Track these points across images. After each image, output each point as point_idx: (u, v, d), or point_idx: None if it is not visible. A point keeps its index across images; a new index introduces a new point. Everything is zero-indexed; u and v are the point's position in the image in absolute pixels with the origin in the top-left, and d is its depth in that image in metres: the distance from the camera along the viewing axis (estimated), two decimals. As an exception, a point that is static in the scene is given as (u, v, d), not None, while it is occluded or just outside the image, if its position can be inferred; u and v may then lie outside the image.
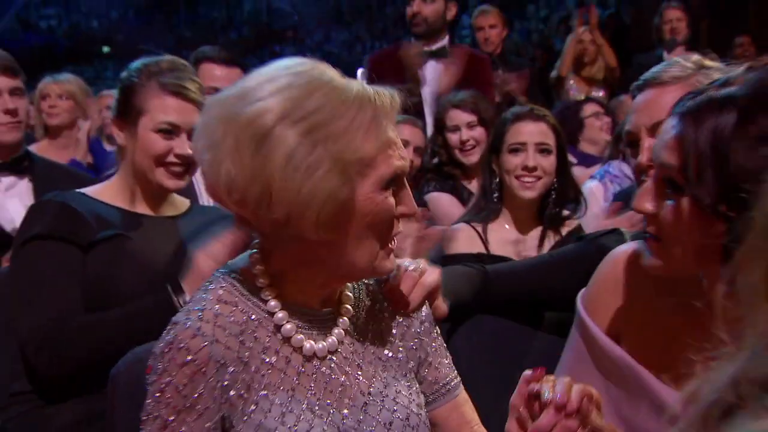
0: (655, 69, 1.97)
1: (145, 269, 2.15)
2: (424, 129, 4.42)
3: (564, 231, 2.94)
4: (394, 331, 1.62)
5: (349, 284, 1.58)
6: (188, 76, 2.31)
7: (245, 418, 1.42)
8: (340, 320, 1.53)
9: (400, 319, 1.63)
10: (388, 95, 1.39)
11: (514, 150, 2.86)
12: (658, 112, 1.82)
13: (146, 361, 1.48)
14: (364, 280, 1.61)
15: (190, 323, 1.40)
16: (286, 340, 1.47)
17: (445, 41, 5.05)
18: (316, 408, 1.46)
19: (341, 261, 1.43)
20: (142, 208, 2.26)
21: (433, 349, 1.67)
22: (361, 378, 1.54)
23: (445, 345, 1.71)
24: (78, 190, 2.27)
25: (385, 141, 1.37)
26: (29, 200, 2.71)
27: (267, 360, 1.45)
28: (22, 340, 2.08)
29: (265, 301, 1.46)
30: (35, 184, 2.80)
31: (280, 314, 1.46)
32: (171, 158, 2.19)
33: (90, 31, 19.47)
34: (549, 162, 2.90)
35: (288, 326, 1.46)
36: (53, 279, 2.08)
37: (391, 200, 1.39)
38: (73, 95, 4.25)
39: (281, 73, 1.37)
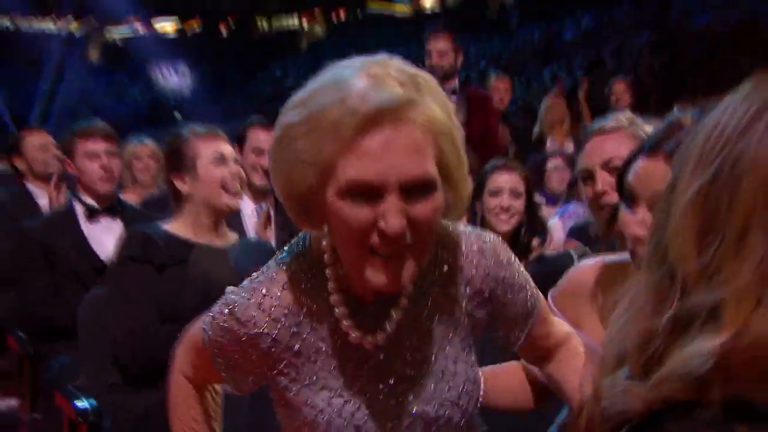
0: (598, 122, 2.09)
1: (203, 289, 2.16)
2: None
3: (531, 257, 3.02)
4: (454, 310, 1.32)
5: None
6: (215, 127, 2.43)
7: (293, 393, 1.28)
8: (394, 310, 1.26)
9: (463, 289, 1.31)
10: (375, 101, 1.06)
11: (493, 194, 2.95)
12: (605, 152, 1.95)
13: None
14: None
15: (252, 299, 1.26)
16: (339, 325, 1.25)
17: (455, 83, 4.94)
18: (368, 393, 1.28)
19: (344, 258, 1.20)
20: (202, 239, 2.31)
21: (504, 301, 1.34)
22: (411, 362, 1.30)
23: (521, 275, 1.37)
24: (156, 222, 2.34)
25: (350, 147, 1.08)
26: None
27: (319, 342, 1.28)
28: (117, 344, 2.15)
29: (323, 286, 1.25)
30: (125, 225, 2.87)
31: (335, 297, 1.24)
32: (229, 179, 2.27)
33: (165, 102, 19.71)
34: (520, 203, 2.98)
35: (341, 310, 1.24)
36: (138, 296, 2.13)
37: (357, 211, 1.09)
38: (158, 156, 4.36)
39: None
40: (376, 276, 1.12)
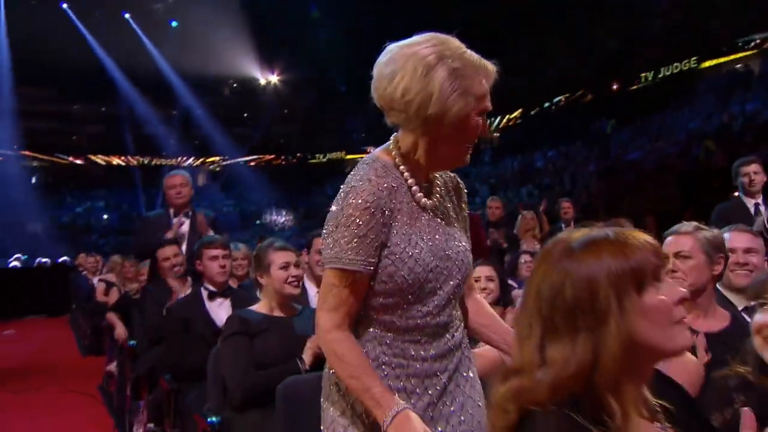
0: (673, 228, 2.05)
1: (280, 347, 2.37)
2: None
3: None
4: (454, 207, 1.48)
5: (438, 174, 1.47)
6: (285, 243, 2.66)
7: (389, 244, 1.35)
8: (435, 190, 1.44)
9: (452, 198, 1.48)
10: (491, 68, 1.33)
11: (476, 280, 3.05)
12: (677, 247, 1.96)
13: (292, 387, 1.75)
14: (444, 174, 1.50)
15: (364, 185, 1.34)
16: (413, 197, 1.40)
17: None
18: (427, 239, 1.38)
19: (445, 152, 1.37)
20: (276, 312, 2.49)
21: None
22: (445, 224, 1.43)
23: None
24: (248, 308, 2.53)
25: (485, 91, 1.32)
26: (229, 311, 2.94)
27: (404, 209, 1.38)
28: (230, 387, 2.34)
29: (402, 173, 1.39)
30: (233, 303, 3.05)
31: (410, 181, 1.39)
32: (291, 279, 2.47)
33: (250, 211, 19.77)
34: (494, 285, 3.09)
35: (415, 188, 1.39)
36: (239, 356, 2.35)
37: (480, 122, 1.34)
38: (248, 257, 4.37)
39: (434, 37, 1.34)
40: (467, 158, 1.39)
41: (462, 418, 1.41)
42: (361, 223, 1.30)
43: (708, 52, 15.42)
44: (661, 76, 16.42)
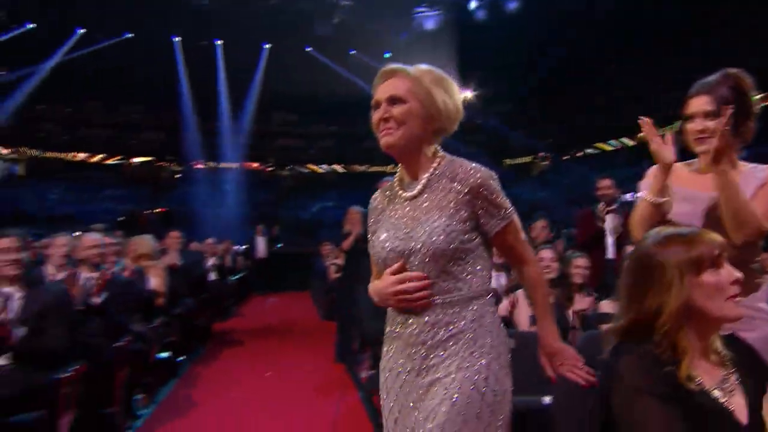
0: None
1: None
2: None
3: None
4: (449, 195, 1.49)
5: (432, 168, 1.54)
6: None
7: (377, 230, 1.59)
8: (418, 185, 1.53)
9: (454, 185, 1.49)
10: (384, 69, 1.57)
11: (540, 260, 3.22)
12: None
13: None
14: (445, 166, 1.54)
15: (374, 195, 1.67)
16: (397, 193, 1.59)
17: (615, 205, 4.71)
18: (394, 228, 1.53)
19: (427, 144, 1.53)
20: None
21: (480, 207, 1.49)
22: (416, 216, 1.51)
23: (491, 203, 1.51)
24: None
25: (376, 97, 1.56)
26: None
27: (393, 204, 1.59)
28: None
29: (399, 178, 1.61)
30: None
31: (397, 179, 1.61)
32: None
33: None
34: (555, 265, 3.33)
35: (398, 184, 1.60)
36: None
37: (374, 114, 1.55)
38: None
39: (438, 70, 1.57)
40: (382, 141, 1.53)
41: (433, 397, 1.43)
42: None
43: None
44: None
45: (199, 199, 17.20)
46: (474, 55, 15.27)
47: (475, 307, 1.46)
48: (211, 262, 9.01)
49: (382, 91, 1.54)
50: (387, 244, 1.51)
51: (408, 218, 1.52)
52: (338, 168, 21.72)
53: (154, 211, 16.50)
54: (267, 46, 17.80)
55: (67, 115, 19.56)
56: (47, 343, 2.91)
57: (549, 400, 1.96)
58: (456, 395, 1.39)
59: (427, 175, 1.52)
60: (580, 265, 3.21)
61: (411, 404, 1.46)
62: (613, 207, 4.64)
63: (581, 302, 3.17)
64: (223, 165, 19.53)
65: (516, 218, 1.52)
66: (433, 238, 1.43)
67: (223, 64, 18.06)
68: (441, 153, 1.57)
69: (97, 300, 3.82)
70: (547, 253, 3.34)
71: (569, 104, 18.65)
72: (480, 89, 18.61)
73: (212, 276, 8.75)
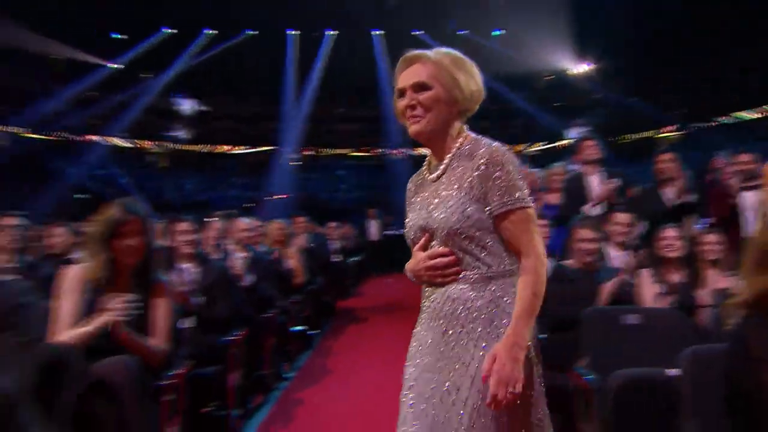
0: None
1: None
2: None
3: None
4: (465, 173, 1.50)
5: (455, 148, 1.54)
6: None
7: (410, 210, 1.60)
8: (440, 166, 1.55)
9: (472, 163, 1.49)
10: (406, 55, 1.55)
11: (662, 239, 3.29)
12: None
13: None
14: (469, 145, 1.54)
15: (410, 179, 1.66)
16: (425, 176, 1.61)
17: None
18: (419, 209, 1.57)
19: (452, 125, 1.54)
20: None
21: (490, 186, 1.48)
22: (436, 195, 1.53)
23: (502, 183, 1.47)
24: None
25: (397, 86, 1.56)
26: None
27: (422, 187, 1.60)
28: None
29: (428, 161, 1.62)
30: None
31: (426, 161, 1.63)
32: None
33: None
34: (679, 243, 3.28)
35: (424, 166, 1.63)
36: None
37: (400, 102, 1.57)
38: None
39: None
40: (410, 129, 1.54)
41: (456, 366, 1.44)
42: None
43: None
44: None
45: (317, 185, 18.11)
46: (593, 26, 14.70)
47: (493, 288, 1.46)
48: (335, 244, 9.62)
49: (405, 78, 1.54)
50: (412, 225, 1.57)
51: (430, 199, 1.54)
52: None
53: (276, 196, 17.63)
54: (377, 32, 18.30)
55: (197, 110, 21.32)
56: (218, 311, 3.45)
57: (675, 372, 2.07)
58: (474, 373, 1.40)
59: (449, 155, 1.54)
60: (711, 241, 3.15)
61: (428, 374, 1.48)
62: (753, 183, 4.39)
63: (719, 281, 3.11)
64: (337, 151, 20.38)
65: (528, 210, 1.48)
66: (449, 218, 1.46)
67: (326, 54, 18.66)
68: (465, 132, 1.57)
69: (249, 277, 4.38)
70: (670, 232, 3.31)
71: (694, 75, 17.42)
72: (600, 62, 17.84)
73: (335, 258, 9.35)
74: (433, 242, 1.50)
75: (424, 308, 1.56)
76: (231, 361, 3.40)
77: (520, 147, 19.58)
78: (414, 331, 1.59)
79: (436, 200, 1.51)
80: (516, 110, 19.19)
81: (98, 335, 2.22)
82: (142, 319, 2.38)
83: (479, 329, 1.43)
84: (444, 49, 1.55)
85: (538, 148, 20.56)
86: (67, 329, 2.23)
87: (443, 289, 1.49)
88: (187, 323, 3.05)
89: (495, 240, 1.48)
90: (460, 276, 1.47)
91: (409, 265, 1.57)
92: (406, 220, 1.60)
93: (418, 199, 1.59)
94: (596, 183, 4.50)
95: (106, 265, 2.39)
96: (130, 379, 2.04)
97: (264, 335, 4.25)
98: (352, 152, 20.63)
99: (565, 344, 2.86)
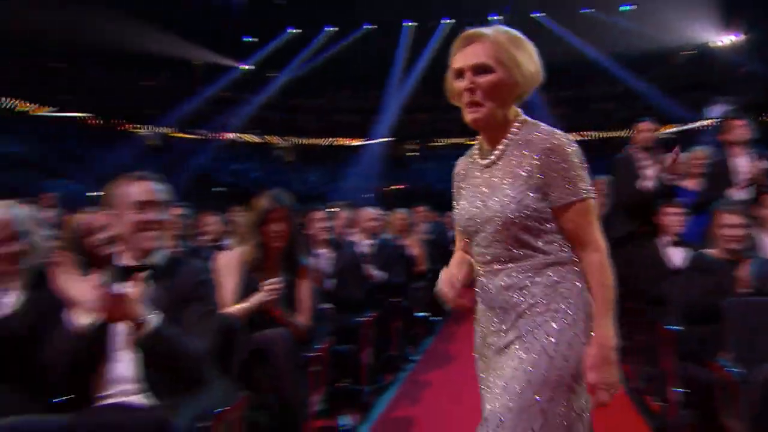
0: None
1: None
2: None
3: None
4: (523, 161, 1.45)
5: (511, 134, 1.49)
6: None
7: (459, 198, 1.58)
8: (494, 152, 1.51)
9: (529, 151, 1.44)
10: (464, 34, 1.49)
11: (722, 227, 3.01)
12: None
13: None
14: (526, 133, 1.47)
15: (458, 161, 1.63)
16: (474, 161, 1.57)
17: None
18: (472, 196, 1.53)
19: (509, 110, 1.48)
20: None
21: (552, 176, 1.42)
22: (490, 183, 1.49)
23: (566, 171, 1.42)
24: None
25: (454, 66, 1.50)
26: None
27: (473, 172, 1.56)
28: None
29: (479, 145, 1.57)
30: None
31: (476, 146, 1.58)
32: None
33: None
34: (742, 232, 2.98)
35: (475, 152, 1.58)
36: None
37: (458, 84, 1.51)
38: None
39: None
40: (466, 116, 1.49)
41: (519, 353, 1.42)
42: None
43: None
44: None
45: (432, 175, 18.34)
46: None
47: (549, 273, 1.43)
48: (453, 233, 9.69)
49: (464, 59, 1.46)
50: (464, 212, 1.53)
51: (484, 186, 1.50)
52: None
53: (394, 187, 18.10)
54: (496, 17, 18.04)
55: (317, 105, 22.41)
56: (350, 293, 3.71)
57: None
58: (524, 356, 1.39)
59: (505, 141, 1.49)
60: None
61: (488, 364, 1.51)
62: None
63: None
64: (452, 141, 20.45)
65: (590, 201, 1.43)
66: (505, 208, 1.42)
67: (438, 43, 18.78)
68: (522, 117, 1.51)
69: (376, 263, 4.62)
70: (732, 218, 2.94)
71: None
72: (750, 33, 16.21)
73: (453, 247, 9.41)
74: (486, 231, 1.46)
75: (479, 299, 1.55)
76: (364, 340, 3.64)
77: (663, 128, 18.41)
78: (474, 322, 1.60)
79: (491, 188, 1.47)
80: (641, 92, 18.03)
81: (255, 311, 2.53)
82: (289, 297, 2.66)
83: (534, 314, 1.42)
84: (503, 27, 1.47)
85: (672, 130, 19.24)
86: (230, 305, 2.57)
87: (497, 280, 1.47)
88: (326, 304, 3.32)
89: (550, 229, 1.44)
90: (512, 266, 1.45)
91: (444, 278, 1.58)
92: (456, 207, 1.57)
93: (469, 186, 1.55)
94: (744, 165, 4.22)
95: (258, 249, 2.70)
96: (286, 350, 2.33)
97: (392, 319, 4.47)
98: (468, 141, 20.55)
99: (704, 336, 2.77)
